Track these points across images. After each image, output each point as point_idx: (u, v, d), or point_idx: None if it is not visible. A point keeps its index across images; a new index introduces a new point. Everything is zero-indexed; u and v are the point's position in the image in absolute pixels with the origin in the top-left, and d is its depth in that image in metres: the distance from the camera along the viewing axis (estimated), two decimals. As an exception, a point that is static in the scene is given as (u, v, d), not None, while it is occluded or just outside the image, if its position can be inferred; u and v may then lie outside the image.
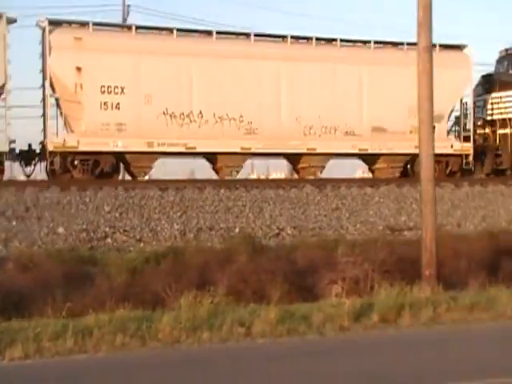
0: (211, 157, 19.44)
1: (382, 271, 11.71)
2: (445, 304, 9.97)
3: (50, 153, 17.45)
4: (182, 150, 18.37)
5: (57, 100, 18.05)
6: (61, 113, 18.36)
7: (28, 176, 18.36)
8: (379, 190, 18.63)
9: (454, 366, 7.22)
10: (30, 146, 18.36)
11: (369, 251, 12.84)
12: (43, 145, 18.05)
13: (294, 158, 20.50)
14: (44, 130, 18.04)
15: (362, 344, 8.46)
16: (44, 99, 18.00)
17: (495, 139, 21.75)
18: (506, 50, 22.45)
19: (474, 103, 21.91)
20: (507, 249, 15.04)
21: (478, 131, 21.83)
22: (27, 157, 18.11)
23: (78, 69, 17.45)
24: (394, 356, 7.74)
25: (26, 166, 18.14)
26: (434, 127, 20.10)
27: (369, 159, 21.23)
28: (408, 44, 19.99)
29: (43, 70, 18.06)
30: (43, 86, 18.07)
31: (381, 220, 17.41)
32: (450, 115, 21.46)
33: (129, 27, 18.99)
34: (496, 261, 14.14)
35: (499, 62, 22.63)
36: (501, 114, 21.63)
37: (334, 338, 8.64)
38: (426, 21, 11.61)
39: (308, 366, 7.23)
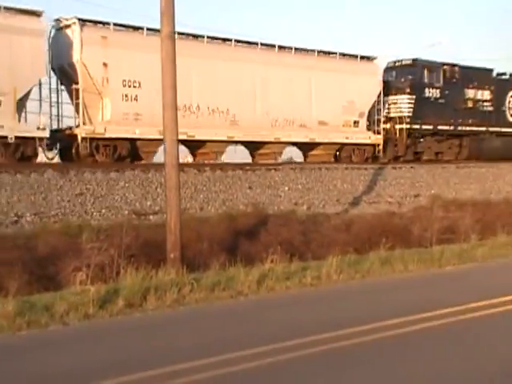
0: (201, 144, 22.16)
1: (127, 256, 11.71)
2: (189, 285, 10.29)
3: (82, 138, 19.30)
4: (185, 137, 20.03)
5: (76, 91, 19.50)
6: (77, 103, 19.65)
7: (51, 159, 19.98)
8: (124, 175, 18.56)
9: (186, 344, 7.52)
10: (55, 131, 19.87)
11: (114, 236, 12.76)
12: (71, 131, 19.76)
13: (258, 146, 23.67)
14: (75, 118, 20.06)
15: (107, 330, 8.39)
16: (74, 90, 19.57)
17: (394, 133, 26.45)
18: (394, 62, 27.52)
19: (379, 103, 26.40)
20: (245, 230, 16.04)
21: (383, 126, 26.31)
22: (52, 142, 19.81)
23: (105, 64, 19.38)
24: (138, 339, 7.82)
25: (50, 150, 19.92)
26: (358, 122, 25.09)
27: (310, 146, 24.87)
28: (341, 54, 25.08)
29: (70, 64, 19.50)
30: (59, 78, 20.06)
31: (126, 205, 17.38)
32: (368, 113, 25.96)
33: (143, 28, 20.66)
34: (235, 242, 15.00)
35: (387, 71, 27.26)
36: (396, 112, 26.55)
37: (79, 327, 8.45)
38: (168, 9, 11.80)
39: (43, 359, 6.99)
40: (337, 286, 11.35)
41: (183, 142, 20.43)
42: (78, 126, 19.79)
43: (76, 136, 19.48)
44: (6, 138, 17.85)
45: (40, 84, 19.29)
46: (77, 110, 19.79)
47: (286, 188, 20.81)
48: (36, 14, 18.52)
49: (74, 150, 19.75)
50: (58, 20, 19.78)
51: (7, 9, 17.85)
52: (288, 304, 9.99)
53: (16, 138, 18.01)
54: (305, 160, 25.38)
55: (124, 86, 19.82)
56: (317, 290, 11.07)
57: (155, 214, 17.17)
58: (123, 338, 7.98)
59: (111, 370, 6.52)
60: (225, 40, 22.54)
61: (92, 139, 19.52)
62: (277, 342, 7.40)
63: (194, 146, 22.36)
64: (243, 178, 20.35)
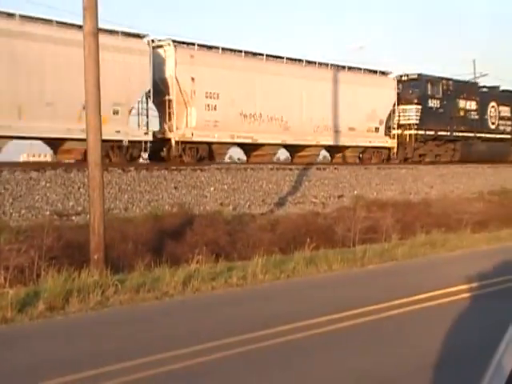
0: (258, 146, 25.32)
1: (49, 258, 11.41)
2: (113, 287, 10.12)
3: (175, 142, 22.02)
4: (250, 141, 24.26)
5: (169, 101, 22.19)
6: (170, 112, 22.24)
7: (147, 160, 22.29)
8: (46, 175, 18.03)
9: (108, 347, 7.40)
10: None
11: (35, 238, 12.40)
12: (163, 135, 22.24)
13: (300, 148, 26.79)
14: (171, 125, 22.26)
15: (25, 334, 8.13)
16: (167, 101, 22.14)
17: (404, 137, 29.74)
18: (401, 76, 30.67)
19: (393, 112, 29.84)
20: (170, 231, 15.91)
21: (395, 132, 29.67)
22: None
23: (192, 79, 22.45)
24: (59, 343, 7.63)
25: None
26: (378, 128, 29.15)
27: (339, 149, 28.24)
28: (365, 70, 28.68)
29: (162, 79, 22.10)
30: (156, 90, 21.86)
31: (48, 205, 16.90)
32: (387, 120, 29.43)
33: (219, 48, 23.72)
34: (161, 242, 14.86)
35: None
36: (405, 120, 29.78)
37: (-3, 332, 8.16)
38: (91, 5, 11.54)
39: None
40: (263, 286, 11.42)
41: (242, 144, 24.92)
42: (171, 131, 22.40)
43: (169, 140, 22.20)
44: (121, 141, 20.59)
45: (146, 96, 21.94)
46: (169, 118, 22.41)
47: (212, 188, 20.78)
48: (141, 36, 21.46)
49: (165, 152, 22.56)
50: (152, 41, 22.13)
51: (123, 33, 20.79)
52: (214, 304, 9.97)
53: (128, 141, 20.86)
54: (331, 161, 29.07)
55: (206, 97, 22.92)
56: (243, 290, 11.10)
57: (78, 214, 16.78)
58: (42, 342, 7.76)
59: (26, 375, 6.32)
60: (277, 57, 25.83)
61: (182, 142, 22.29)
62: (202, 343, 7.37)
63: (251, 148, 25.55)
64: (169, 178, 20.17)
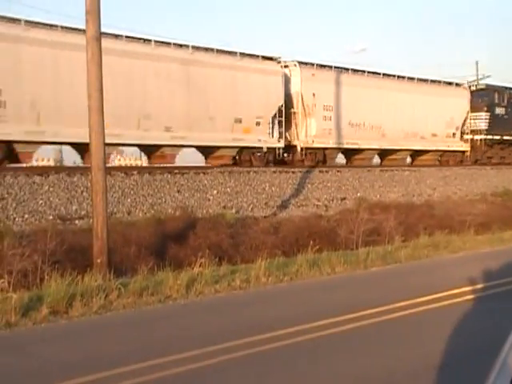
0: (359, 151, 28.77)
1: (52, 262, 11.42)
2: (116, 291, 10.12)
3: (301, 148, 25.70)
4: (356, 146, 28.07)
5: (295, 113, 25.73)
6: (295, 122, 25.78)
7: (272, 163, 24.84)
8: (48, 179, 18.07)
9: (111, 350, 7.40)
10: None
11: (38, 242, 12.42)
12: (289, 142, 25.67)
13: (389, 152, 30.36)
14: (296, 134, 25.80)
15: (29, 339, 8.14)
16: (292, 113, 25.67)
17: (475, 142, 32.87)
18: (469, 86, 34.29)
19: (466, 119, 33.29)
20: (174, 234, 15.93)
21: (468, 137, 33.03)
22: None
23: (313, 94, 25.81)
24: (62, 347, 7.63)
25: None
26: (455, 134, 32.84)
27: (421, 153, 31.74)
28: (444, 82, 32.87)
29: (288, 95, 25.44)
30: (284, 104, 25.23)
31: (51, 210, 16.93)
32: (462, 126, 32.79)
33: (331, 67, 27.25)
34: (164, 246, 14.87)
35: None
36: (476, 126, 32.89)
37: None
38: (94, 9, 11.55)
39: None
40: (266, 289, 11.41)
41: (347, 149, 28.11)
42: (296, 139, 25.91)
43: (295, 146, 25.78)
44: (261, 148, 24.36)
45: (279, 109, 25.06)
46: (295, 128, 25.89)
47: (215, 191, 20.79)
48: (274, 59, 25.22)
49: (290, 157, 26.05)
50: (278, 62, 25.52)
51: (263, 57, 24.70)
52: (217, 307, 9.97)
53: (269, 148, 24.69)
54: (412, 163, 32.23)
55: (324, 109, 26.44)
56: (246, 292, 11.10)
57: (81, 218, 16.80)
58: (46, 346, 7.77)
59: (30, 380, 6.33)
60: (375, 73, 29.44)
61: (305, 148, 25.83)
62: (205, 346, 7.38)
63: (354, 153, 28.77)
64: (172, 182, 20.18)
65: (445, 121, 31.87)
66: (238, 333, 8.01)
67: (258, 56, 24.34)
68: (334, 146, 27.09)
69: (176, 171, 21.00)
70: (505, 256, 14.64)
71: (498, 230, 20.67)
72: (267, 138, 24.70)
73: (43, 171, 18.53)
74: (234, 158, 24.09)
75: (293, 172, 24.12)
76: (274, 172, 23.31)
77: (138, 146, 22.73)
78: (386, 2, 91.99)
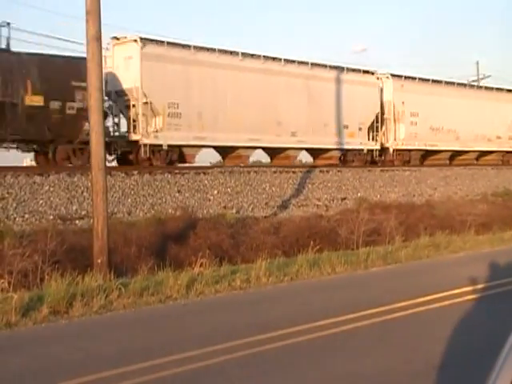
0: (437, 152, 32.02)
1: (52, 262, 11.42)
2: (116, 291, 10.12)
3: (393, 150, 29.43)
4: (436, 148, 31.50)
5: (387, 119, 29.34)
6: (381, 126, 29.10)
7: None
8: (49, 179, 18.07)
9: (111, 351, 7.39)
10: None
11: (39, 242, 12.42)
12: (382, 145, 29.21)
13: (459, 153, 33.53)
14: (388, 137, 29.47)
15: (29, 338, 8.14)
16: (385, 119, 29.38)
17: None
18: None
19: None
20: (174, 234, 15.92)
21: None
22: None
23: (403, 102, 29.55)
24: (63, 347, 7.62)
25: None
26: None
27: (485, 153, 34.93)
28: (507, 90, 36.25)
29: (381, 103, 29.29)
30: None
31: (51, 209, 16.93)
32: None
33: (415, 78, 30.85)
34: (164, 246, 14.87)
35: None
36: None
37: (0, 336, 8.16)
38: (94, 9, 11.55)
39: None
40: (266, 289, 11.40)
41: (426, 151, 31.14)
42: (387, 142, 29.47)
43: (388, 148, 29.27)
44: (362, 150, 28.11)
45: (376, 116, 28.71)
46: (387, 132, 29.39)
47: (215, 191, 20.78)
48: (372, 72, 28.83)
49: (383, 157, 29.16)
50: (373, 73, 28.93)
51: (364, 71, 28.45)
52: (217, 307, 9.96)
53: (368, 150, 28.34)
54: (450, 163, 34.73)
55: (411, 116, 29.86)
56: (246, 293, 11.09)
57: (81, 218, 16.80)
58: (47, 346, 7.76)
59: (31, 380, 6.32)
60: (450, 83, 32.87)
61: (396, 150, 29.53)
62: (205, 347, 7.37)
63: (430, 154, 31.81)
64: (172, 182, 20.18)
65: (507, 124, 35.26)
66: (238, 333, 8.00)
67: (360, 70, 28.39)
68: (419, 147, 30.67)
69: (176, 171, 21.00)
70: (505, 256, 14.63)
71: (499, 230, 20.66)
72: (366, 141, 28.51)
73: (43, 171, 18.54)
74: (339, 158, 27.98)
75: (293, 172, 24.11)
76: (275, 172, 23.30)
77: (268, 148, 25.94)
78: (386, 2, 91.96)
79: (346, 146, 27.58)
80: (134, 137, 21.19)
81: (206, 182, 20.94)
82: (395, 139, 29.45)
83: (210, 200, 20.31)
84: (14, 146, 19.55)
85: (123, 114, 22.00)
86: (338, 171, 25.53)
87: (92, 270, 11.03)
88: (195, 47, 22.52)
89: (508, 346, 2.44)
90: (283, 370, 6.67)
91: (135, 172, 20.19)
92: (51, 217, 16.58)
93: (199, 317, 9.31)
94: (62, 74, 18.89)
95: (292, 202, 22.23)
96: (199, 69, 22.38)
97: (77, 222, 16.67)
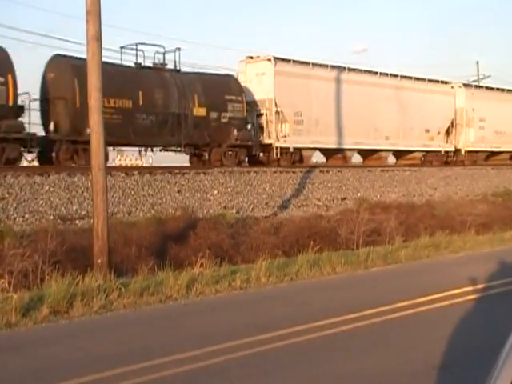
0: (497, 153, 35.41)
1: (53, 262, 11.42)
2: (116, 291, 10.12)
3: (464, 151, 33.36)
4: (499, 150, 35.07)
5: (459, 124, 32.80)
6: (452, 130, 32.77)
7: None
8: (49, 179, 18.06)
9: (110, 351, 7.39)
10: None
11: (39, 242, 12.42)
12: (455, 147, 33.15)
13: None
14: (459, 140, 33.06)
15: (30, 338, 8.14)
16: (457, 124, 33.05)
17: None
18: None
19: None
20: (174, 234, 15.92)
21: None
22: None
23: (473, 109, 33.15)
24: (62, 347, 7.62)
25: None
26: None
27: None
28: None
29: (454, 110, 33.01)
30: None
31: (51, 210, 16.92)
32: None
33: (482, 87, 35.92)
34: (164, 246, 14.86)
35: None
36: None
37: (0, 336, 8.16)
38: (94, 9, 11.54)
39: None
40: (266, 289, 11.40)
41: (489, 152, 34.63)
42: (457, 144, 33.03)
43: (460, 150, 33.07)
44: (440, 151, 32.24)
45: (451, 121, 32.48)
46: (459, 136, 32.90)
47: (216, 192, 20.77)
48: (446, 82, 32.73)
49: (453, 158, 32.59)
50: (447, 83, 32.67)
51: (441, 81, 32.33)
52: (217, 307, 9.96)
53: (444, 151, 32.56)
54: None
55: (479, 121, 33.50)
56: (246, 293, 11.09)
57: (82, 218, 16.79)
58: (47, 346, 7.76)
59: (31, 380, 6.32)
60: (509, 91, 35.98)
61: (467, 152, 33.42)
62: (205, 347, 7.37)
63: (491, 155, 34.97)
64: (172, 182, 20.17)
65: None
66: (238, 333, 8.00)
67: (438, 81, 32.33)
68: (485, 149, 34.20)
69: (176, 171, 20.99)
70: (506, 256, 14.62)
71: (499, 230, 20.65)
72: (444, 144, 32.43)
73: (43, 171, 18.53)
74: (420, 158, 31.84)
75: (293, 172, 24.10)
76: (275, 172, 23.29)
77: (361, 150, 29.43)
78: (386, 2, 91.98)
79: (428, 148, 31.72)
80: (267, 141, 25.04)
81: (206, 182, 20.93)
82: (466, 142, 33.11)
83: (210, 200, 20.30)
84: (180, 149, 23.23)
85: (253, 120, 25.74)
86: (338, 171, 25.51)
87: (92, 270, 11.03)
88: (313, 64, 26.69)
89: (508, 346, 2.44)
90: (283, 370, 6.67)
91: (135, 172, 20.19)
92: (51, 217, 16.57)
93: (199, 317, 9.31)
94: (218, 88, 23.13)
95: (292, 202, 22.22)
96: (316, 82, 26.46)
97: (77, 222, 16.66)
